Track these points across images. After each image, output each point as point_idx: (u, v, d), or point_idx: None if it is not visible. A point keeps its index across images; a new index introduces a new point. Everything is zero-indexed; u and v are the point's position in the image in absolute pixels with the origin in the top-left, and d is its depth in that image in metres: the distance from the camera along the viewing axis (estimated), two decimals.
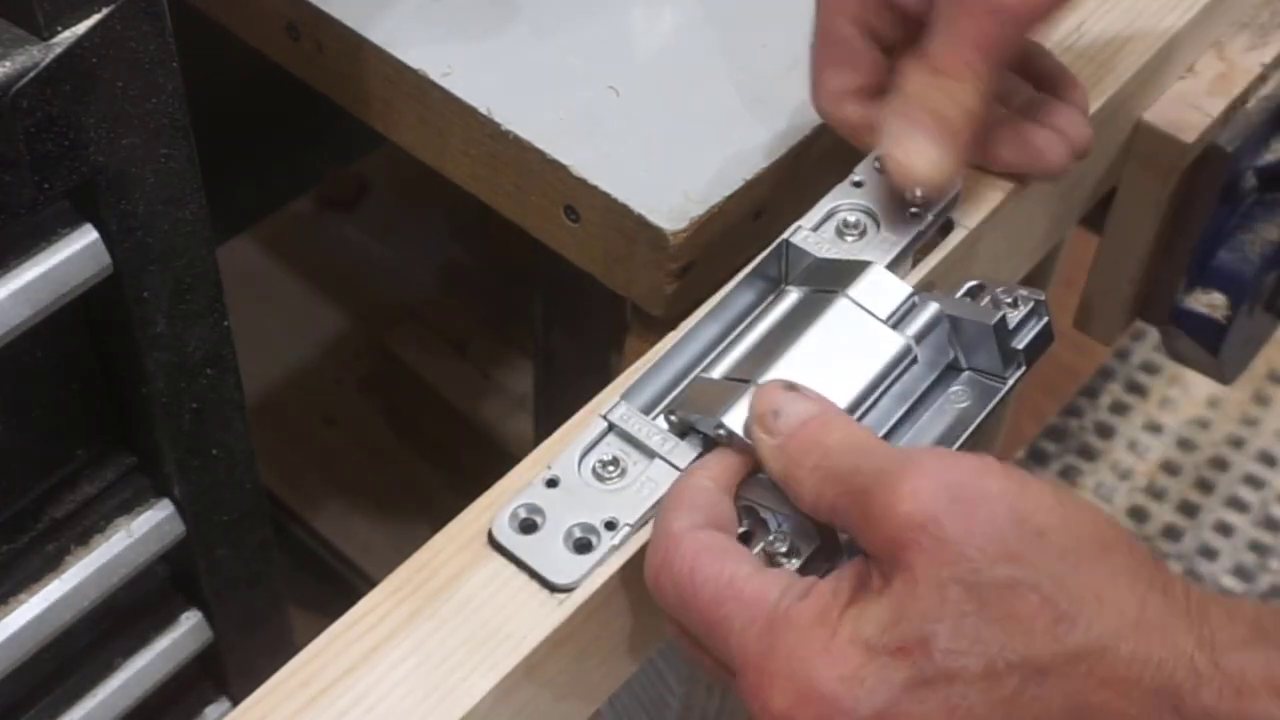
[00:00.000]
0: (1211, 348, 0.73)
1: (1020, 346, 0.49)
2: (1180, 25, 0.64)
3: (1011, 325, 0.48)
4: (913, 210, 0.53)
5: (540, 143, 0.63)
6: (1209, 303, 0.72)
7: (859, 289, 0.48)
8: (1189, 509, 1.69)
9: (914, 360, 0.48)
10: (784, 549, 0.45)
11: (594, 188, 0.61)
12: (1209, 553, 1.66)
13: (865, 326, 0.48)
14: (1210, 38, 0.68)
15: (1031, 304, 0.49)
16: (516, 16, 0.68)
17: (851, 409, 0.47)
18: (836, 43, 0.54)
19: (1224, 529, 1.67)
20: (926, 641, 0.38)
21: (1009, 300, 0.49)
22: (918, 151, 0.50)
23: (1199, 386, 1.78)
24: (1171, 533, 1.67)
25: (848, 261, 0.51)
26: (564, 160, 0.62)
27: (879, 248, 0.52)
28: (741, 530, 0.46)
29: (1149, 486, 1.70)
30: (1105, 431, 1.75)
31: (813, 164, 0.65)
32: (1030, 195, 0.59)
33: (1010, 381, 0.49)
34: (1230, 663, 0.38)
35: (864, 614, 0.40)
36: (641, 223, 0.60)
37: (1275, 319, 0.77)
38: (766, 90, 0.66)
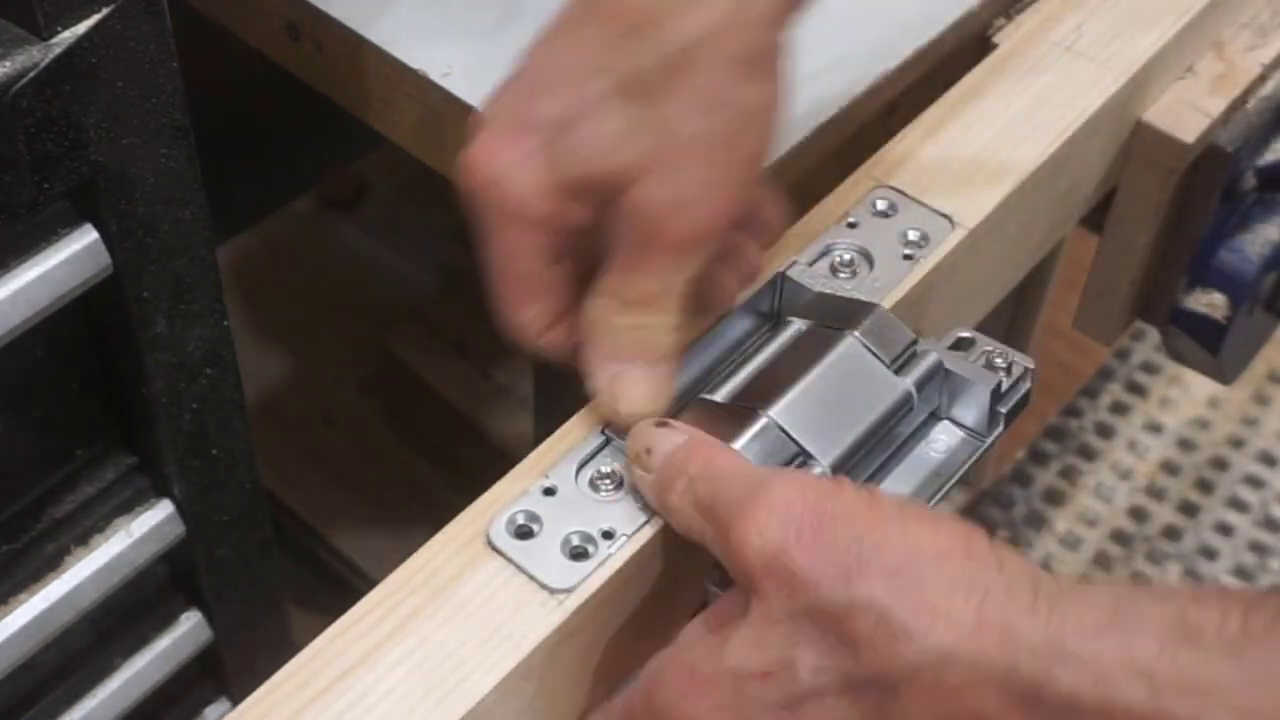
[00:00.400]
0: (1211, 348, 0.74)
1: (1005, 410, 0.49)
2: (1180, 25, 0.64)
3: (1003, 389, 0.49)
4: (905, 254, 0.54)
5: None
6: (1209, 303, 0.72)
7: (866, 330, 0.49)
8: (1189, 509, 1.68)
9: (912, 408, 0.48)
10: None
11: None
12: (1209, 553, 1.66)
13: (871, 369, 0.48)
14: (1210, 38, 0.68)
15: (1023, 370, 0.50)
16: (516, 16, 0.68)
17: (854, 449, 0.47)
18: (522, 277, 0.51)
19: (1224, 529, 1.67)
20: (790, 664, 0.41)
21: (1001, 362, 0.50)
22: (637, 391, 0.49)
23: (1199, 386, 1.78)
24: (1171, 533, 1.67)
25: (852, 300, 0.51)
26: None
27: (871, 288, 0.53)
28: None
29: (1149, 486, 1.70)
30: (1105, 431, 1.74)
31: (810, 170, 0.65)
32: (1030, 195, 0.59)
33: (989, 441, 0.50)
34: (1085, 649, 0.39)
35: (729, 643, 0.42)
36: None
37: (1275, 319, 0.77)
38: None
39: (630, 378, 0.49)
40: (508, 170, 0.47)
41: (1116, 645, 0.39)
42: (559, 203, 0.47)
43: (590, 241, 0.49)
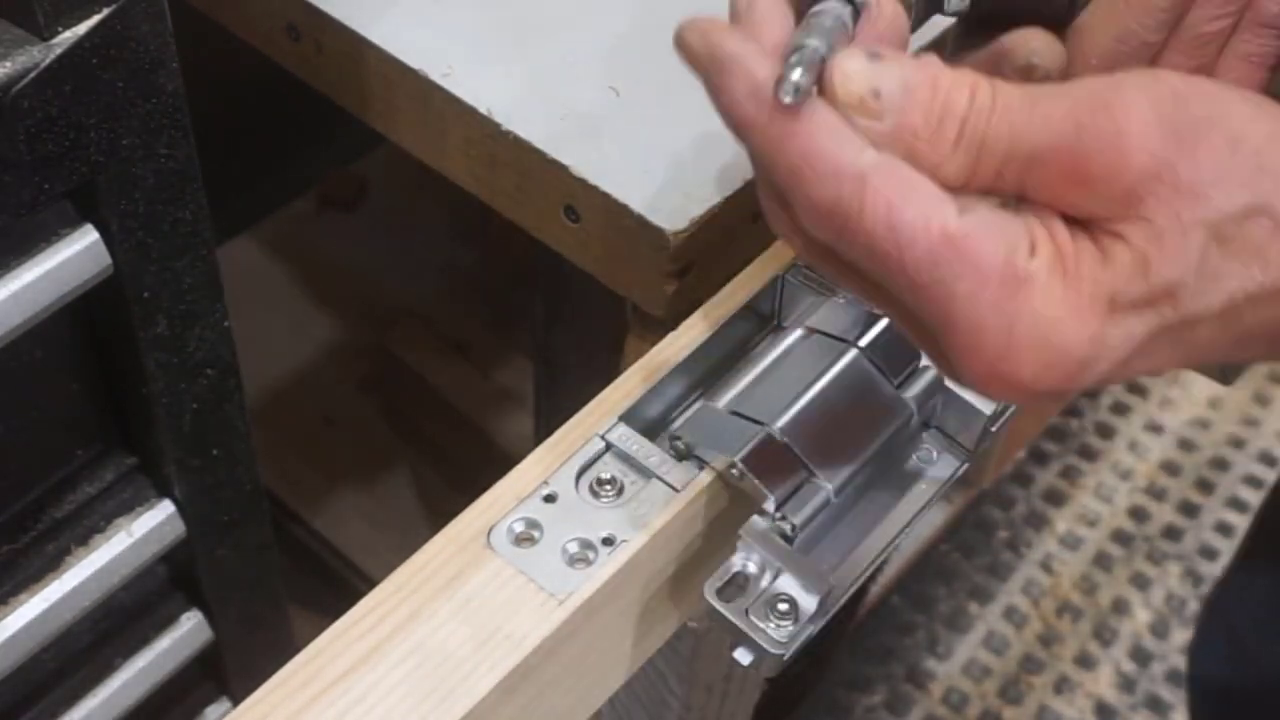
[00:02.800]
0: None
1: (995, 429, 0.49)
2: None
3: (999, 413, 0.49)
4: None
5: (540, 143, 0.62)
6: None
7: (871, 344, 0.49)
8: (1189, 509, 1.69)
9: (912, 425, 0.48)
10: None
11: (594, 188, 0.61)
12: (1209, 553, 1.66)
13: (874, 384, 0.48)
14: None
15: None
16: (516, 16, 0.68)
17: (860, 467, 0.47)
18: None
19: (1224, 529, 1.67)
20: (1174, 291, 0.37)
21: None
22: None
23: (1199, 387, 1.78)
24: (1172, 533, 1.68)
25: (854, 309, 0.51)
26: (564, 160, 0.62)
27: None
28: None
29: (1149, 486, 1.70)
30: (1106, 432, 1.75)
31: None
32: None
33: (971, 455, 0.50)
34: None
35: (1106, 270, 0.37)
36: (642, 223, 0.60)
37: None
38: None
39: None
40: None
41: None
42: None
43: None
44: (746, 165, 0.63)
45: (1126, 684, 1.55)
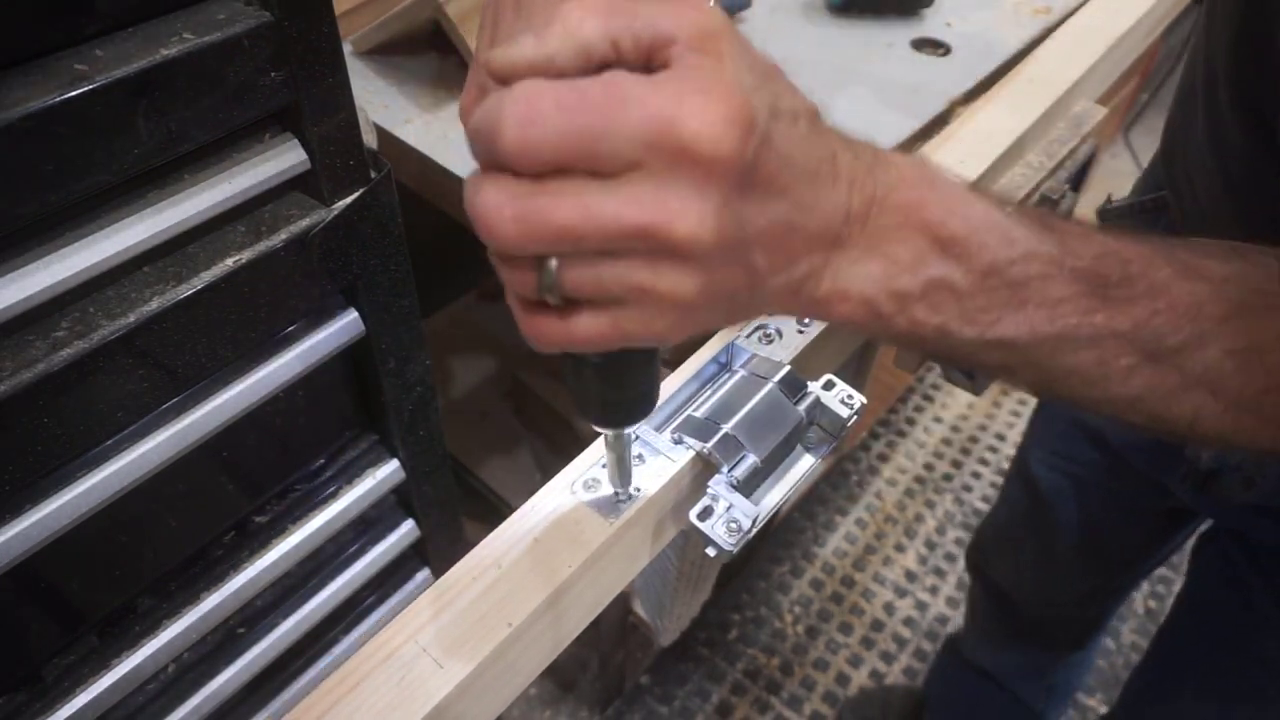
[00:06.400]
0: (970, 376, 0.71)
1: (848, 427, 0.48)
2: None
3: (849, 417, 0.48)
4: (799, 329, 0.52)
5: None
6: None
7: (781, 381, 0.48)
8: (957, 464, 1.67)
9: (803, 424, 0.48)
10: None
11: None
12: (968, 489, 1.64)
13: (783, 402, 0.47)
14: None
15: (860, 404, 0.48)
16: None
17: (772, 452, 0.45)
18: None
19: (976, 475, 1.65)
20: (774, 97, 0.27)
21: (850, 399, 0.48)
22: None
23: (962, 396, 1.78)
24: (947, 477, 1.66)
25: (772, 360, 0.50)
26: None
27: (781, 349, 0.52)
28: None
29: (935, 451, 1.70)
30: (911, 421, 1.74)
31: None
32: None
33: (836, 440, 0.48)
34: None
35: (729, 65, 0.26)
36: None
37: None
38: None
39: None
40: None
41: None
42: None
43: None
44: None
45: (921, 560, 1.54)
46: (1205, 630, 0.74)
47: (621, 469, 0.41)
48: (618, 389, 0.33)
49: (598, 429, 0.36)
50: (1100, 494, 0.85)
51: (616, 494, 0.45)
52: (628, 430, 0.38)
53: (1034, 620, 1.01)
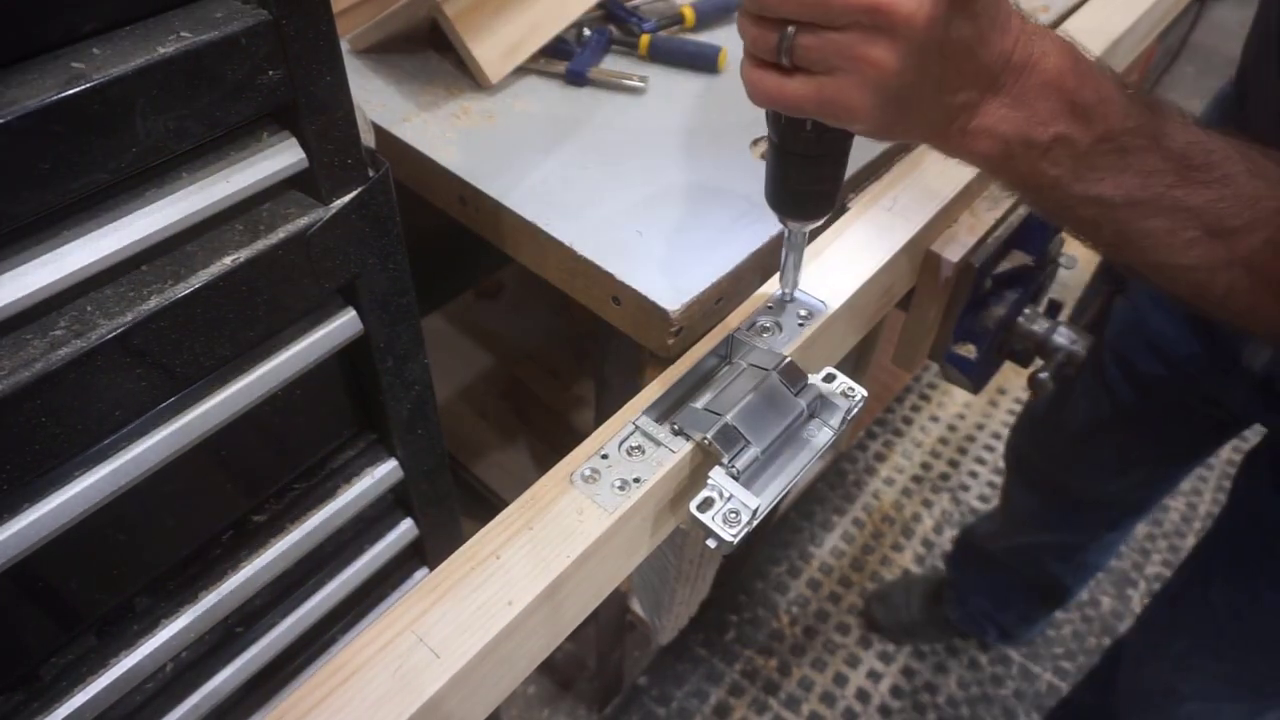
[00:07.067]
0: (968, 374, 0.73)
1: (849, 419, 0.49)
2: (951, 197, 0.64)
3: (850, 410, 0.48)
4: (799, 323, 0.52)
5: (598, 261, 0.63)
6: (965, 350, 0.71)
7: (781, 372, 0.48)
8: (954, 464, 1.68)
9: (804, 416, 0.48)
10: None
11: (629, 286, 0.61)
12: (965, 488, 1.65)
13: (783, 393, 0.47)
14: (966, 204, 0.67)
15: (861, 396, 0.49)
16: (583, 195, 0.68)
17: (772, 443, 0.45)
18: None
19: (973, 474, 1.66)
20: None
21: (850, 391, 0.48)
22: None
23: (959, 395, 1.78)
24: (944, 476, 1.67)
25: (772, 352, 0.50)
26: (611, 270, 0.62)
27: (781, 342, 0.52)
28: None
29: (932, 451, 1.70)
30: (907, 420, 1.74)
31: (749, 271, 0.65)
32: (867, 290, 0.58)
33: (836, 432, 0.49)
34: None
35: None
36: (655, 306, 0.60)
37: (1002, 359, 0.77)
38: (720, 235, 0.66)
39: None
40: None
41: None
42: None
43: None
44: (712, 272, 0.62)
45: (919, 559, 1.54)
46: (1251, 531, 0.76)
47: (795, 269, 0.47)
48: (813, 181, 0.39)
49: (785, 222, 0.43)
50: (1163, 402, 0.88)
51: (783, 295, 0.47)
52: (809, 228, 0.44)
53: (1083, 502, 1.04)
